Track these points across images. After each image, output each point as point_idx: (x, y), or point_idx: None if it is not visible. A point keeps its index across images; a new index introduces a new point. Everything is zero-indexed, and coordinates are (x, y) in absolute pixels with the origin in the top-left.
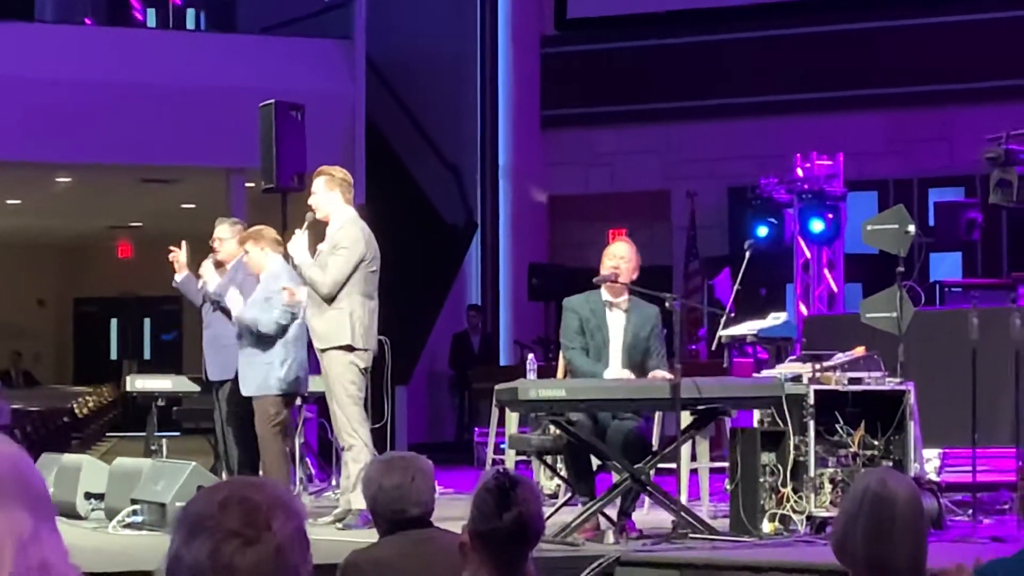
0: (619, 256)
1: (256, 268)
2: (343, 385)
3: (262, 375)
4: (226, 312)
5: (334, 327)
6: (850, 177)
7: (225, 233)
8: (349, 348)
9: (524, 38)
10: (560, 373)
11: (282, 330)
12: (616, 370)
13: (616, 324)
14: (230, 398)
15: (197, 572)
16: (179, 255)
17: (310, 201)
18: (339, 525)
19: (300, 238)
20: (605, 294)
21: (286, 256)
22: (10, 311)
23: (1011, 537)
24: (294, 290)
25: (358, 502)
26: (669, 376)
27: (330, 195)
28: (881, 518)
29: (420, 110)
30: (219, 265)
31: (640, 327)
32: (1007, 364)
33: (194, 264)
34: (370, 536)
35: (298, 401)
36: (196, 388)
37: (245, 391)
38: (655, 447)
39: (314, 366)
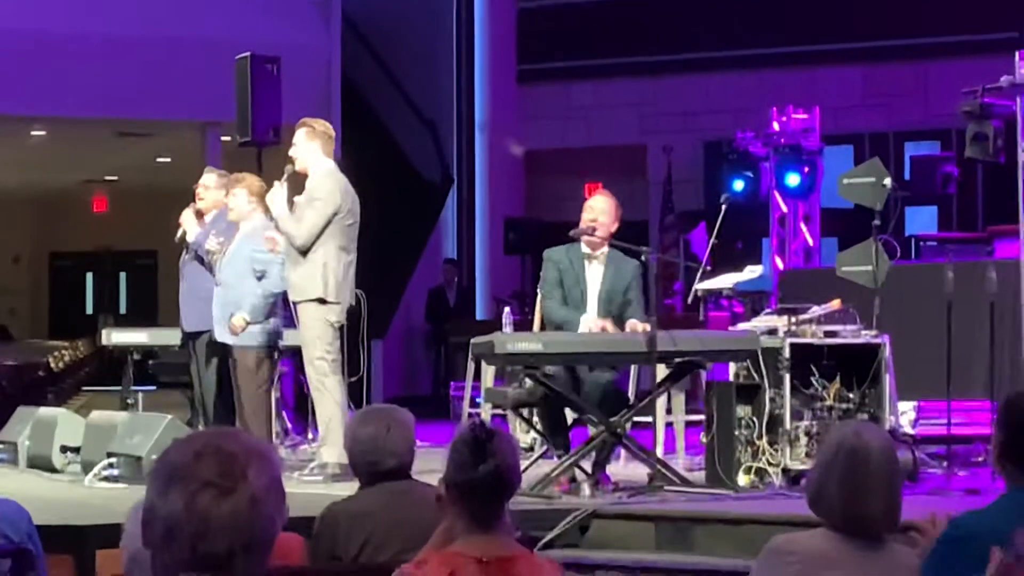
0: (598, 209)
1: (237, 215)
2: (311, 339)
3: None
4: (203, 262)
5: (308, 279)
6: (826, 131)
7: (211, 182)
8: (322, 301)
9: None
10: (536, 326)
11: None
12: (592, 317)
13: (594, 277)
14: (207, 349)
15: (172, 522)
16: (184, 216)
17: (290, 153)
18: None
19: (279, 190)
20: (584, 247)
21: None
22: None
23: (985, 489)
24: (277, 239)
25: (329, 455)
26: (642, 326)
27: (310, 147)
28: (855, 470)
29: (396, 64)
30: (200, 216)
31: (618, 280)
32: (982, 317)
33: (168, 220)
34: (349, 488)
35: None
36: (172, 342)
37: (224, 340)
38: (631, 400)
39: (290, 319)
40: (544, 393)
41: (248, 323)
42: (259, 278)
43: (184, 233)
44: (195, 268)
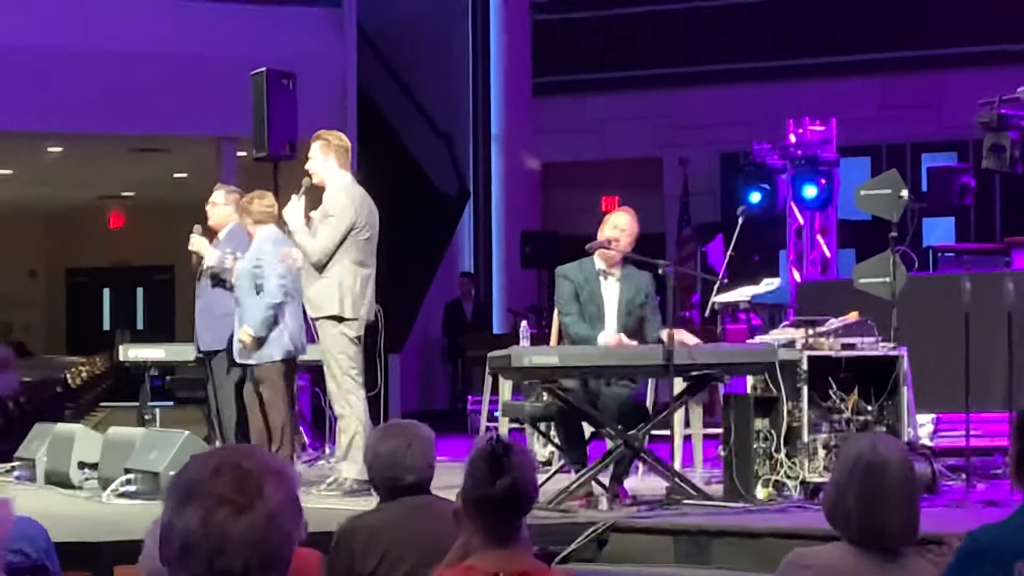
0: (620, 228)
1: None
2: (334, 355)
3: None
4: (223, 284)
5: (324, 296)
6: (843, 143)
7: (220, 199)
8: (338, 319)
9: (515, 4)
10: (553, 340)
11: (284, 293)
12: (609, 334)
13: (610, 292)
14: (224, 368)
15: (189, 539)
16: (196, 242)
17: (307, 166)
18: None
19: (296, 204)
20: (598, 262)
21: (280, 224)
22: (1, 282)
23: (1004, 501)
24: (295, 254)
25: (349, 471)
26: (686, 336)
27: (325, 161)
28: (873, 483)
29: (412, 78)
30: (212, 235)
31: (635, 295)
32: (1000, 328)
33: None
34: (367, 504)
35: None
36: (189, 358)
37: (243, 360)
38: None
39: (311, 334)
40: (561, 407)
41: (253, 337)
42: (258, 291)
43: (200, 260)
44: (209, 288)
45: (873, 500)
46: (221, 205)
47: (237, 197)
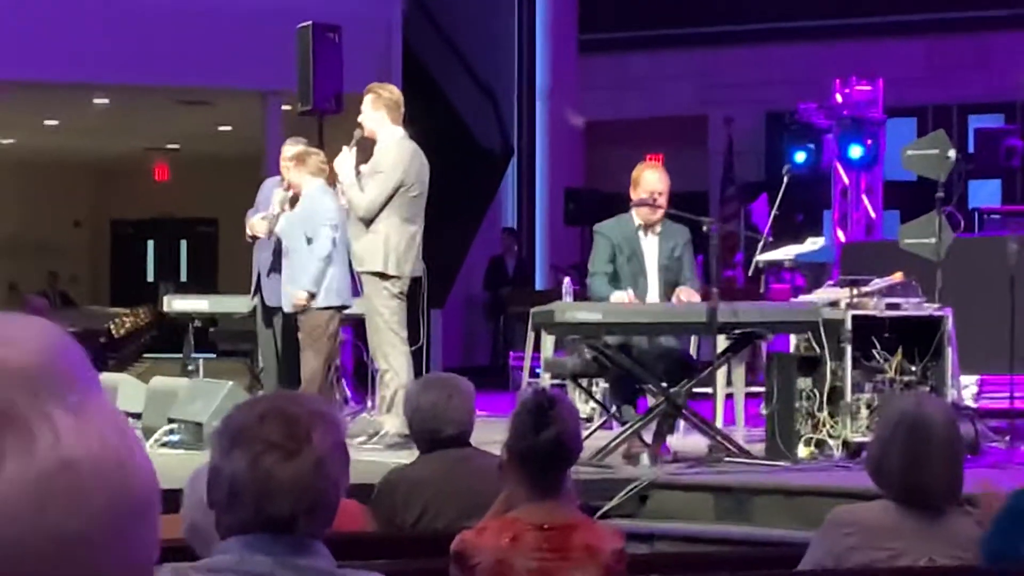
0: (656, 190)
1: (296, 187)
2: (377, 309)
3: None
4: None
5: (370, 252)
6: (889, 103)
7: (288, 153)
8: (383, 275)
9: None
10: None
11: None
12: (654, 295)
13: (650, 248)
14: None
15: (236, 483)
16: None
17: (359, 119)
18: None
19: (347, 156)
20: (637, 219)
21: (331, 180)
22: (47, 232)
23: None
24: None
25: (391, 424)
26: (694, 295)
27: (376, 114)
28: (917, 441)
29: (457, 33)
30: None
31: (672, 248)
32: None
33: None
34: (408, 457)
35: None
36: (232, 309)
37: (291, 308)
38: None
39: (355, 287)
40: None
41: (312, 294)
42: (309, 242)
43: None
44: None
45: (917, 458)
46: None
47: (303, 148)
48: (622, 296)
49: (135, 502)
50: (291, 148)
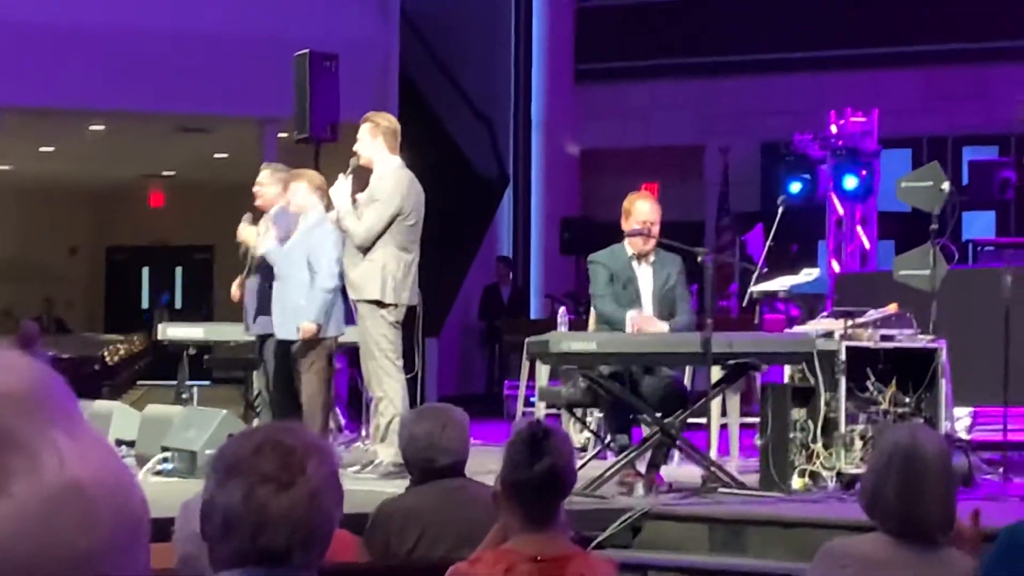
0: (648, 213)
1: (298, 208)
2: (373, 338)
3: (302, 318)
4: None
5: (366, 280)
6: (884, 134)
7: (265, 179)
8: (379, 303)
9: None
10: (591, 326)
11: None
12: (634, 313)
13: (645, 277)
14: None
15: (231, 515)
16: (245, 232)
17: (355, 148)
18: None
19: (343, 184)
20: (630, 249)
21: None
22: (42, 258)
23: None
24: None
25: (384, 453)
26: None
27: (373, 143)
28: (913, 473)
29: (454, 61)
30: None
31: (666, 277)
32: None
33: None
34: (402, 486)
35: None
36: (227, 337)
37: (287, 335)
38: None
39: (349, 315)
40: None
41: (319, 326)
42: (310, 269)
43: (249, 249)
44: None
45: (912, 490)
46: (267, 185)
47: (284, 176)
48: (635, 315)
49: (135, 520)
50: (268, 173)
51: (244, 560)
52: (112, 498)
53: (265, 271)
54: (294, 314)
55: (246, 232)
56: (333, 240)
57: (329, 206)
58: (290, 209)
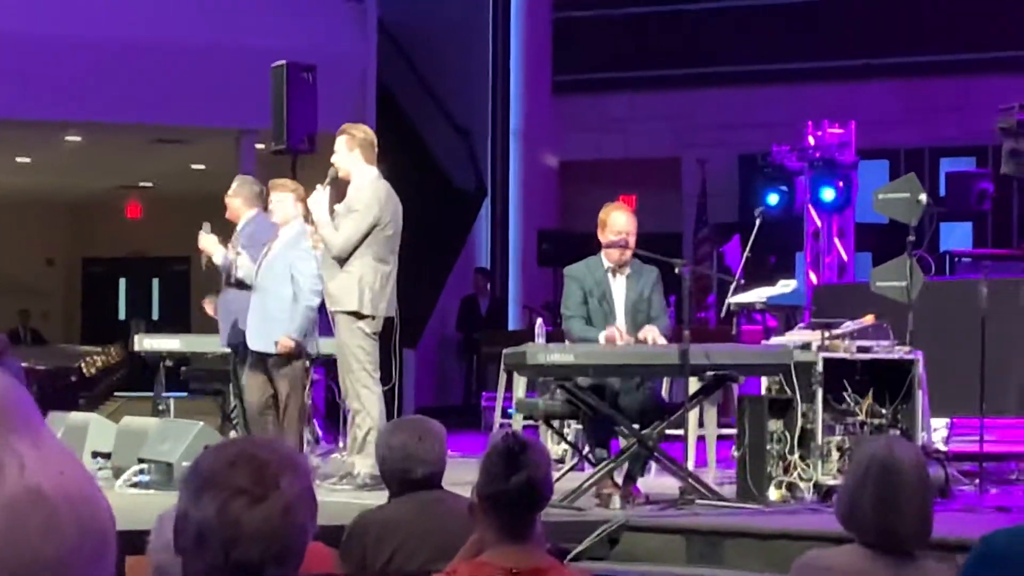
0: (625, 232)
1: (281, 219)
2: (351, 349)
3: (280, 332)
4: (239, 283)
5: (343, 291)
6: (862, 146)
7: (234, 191)
8: (357, 315)
9: (536, 2)
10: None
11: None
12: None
13: (619, 290)
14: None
15: (204, 529)
16: (204, 241)
17: (332, 159)
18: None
19: (320, 195)
20: (606, 261)
21: (306, 216)
22: (19, 269)
23: (1017, 507)
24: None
25: (361, 465)
26: (657, 334)
27: (350, 155)
28: (889, 485)
29: (431, 73)
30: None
31: (642, 288)
32: (1016, 334)
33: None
34: (379, 498)
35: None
36: (204, 349)
37: (264, 347)
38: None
39: (325, 326)
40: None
41: (297, 342)
42: (295, 292)
43: (209, 259)
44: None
45: (888, 502)
46: (234, 197)
47: (251, 187)
48: (611, 333)
49: (102, 531)
50: (235, 186)
51: (217, 574)
52: (76, 507)
53: (239, 284)
54: (272, 326)
55: (205, 241)
56: (314, 255)
57: (307, 217)
58: (272, 219)
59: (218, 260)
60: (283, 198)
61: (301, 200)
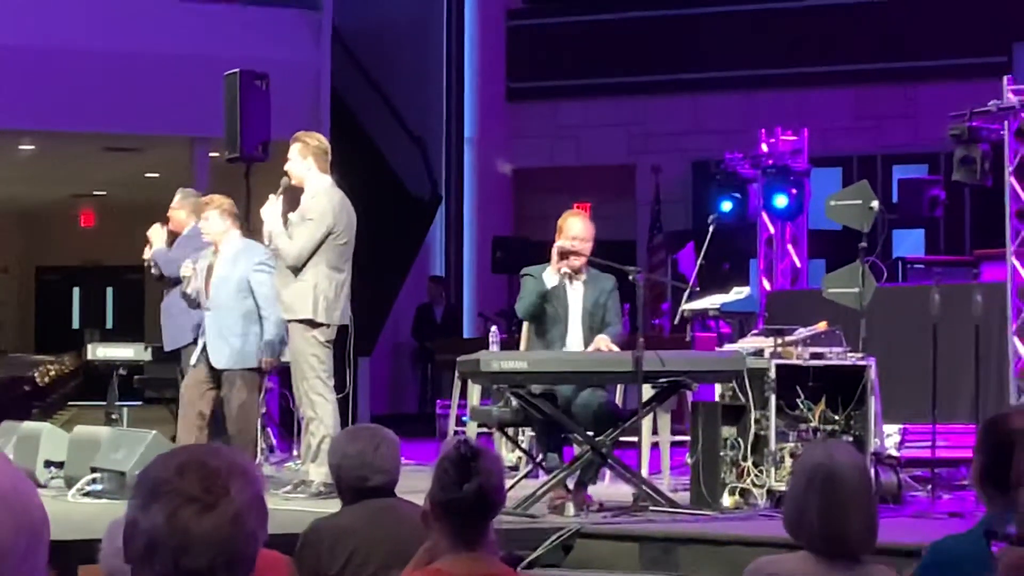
0: (580, 238)
1: (213, 237)
2: (305, 357)
3: (238, 347)
4: (165, 279)
5: (297, 300)
6: (815, 153)
7: (176, 203)
8: (311, 323)
9: (490, 9)
10: (523, 345)
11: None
12: (576, 342)
13: (575, 296)
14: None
15: (154, 537)
16: (152, 233)
17: (285, 167)
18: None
19: (273, 204)
20: (564, 267)
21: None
22: None
23: (969, 512)
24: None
25: (315, 474)
26: (611, 344)
27: (303, 163)
28: (832, 491)
29: (385, 81)
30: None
31: (597, 296)
32: (968, 341)
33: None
34: (333, 506)
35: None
36: (157, 357)
37: (227, 363)
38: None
39: None
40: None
41: (273, 364)
42: (260, 315)
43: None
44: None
45: (832, 509)
46: (176, 209)
47: (192, 199)
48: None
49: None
50: (178, 198)
51: None
52: (8, 503)
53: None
54: (229, 342)
55: (153, 233)
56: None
57: (243, 230)
58: (205, 238)
59: (146, 254)
60: (209, 215)
61: (229, 213)
